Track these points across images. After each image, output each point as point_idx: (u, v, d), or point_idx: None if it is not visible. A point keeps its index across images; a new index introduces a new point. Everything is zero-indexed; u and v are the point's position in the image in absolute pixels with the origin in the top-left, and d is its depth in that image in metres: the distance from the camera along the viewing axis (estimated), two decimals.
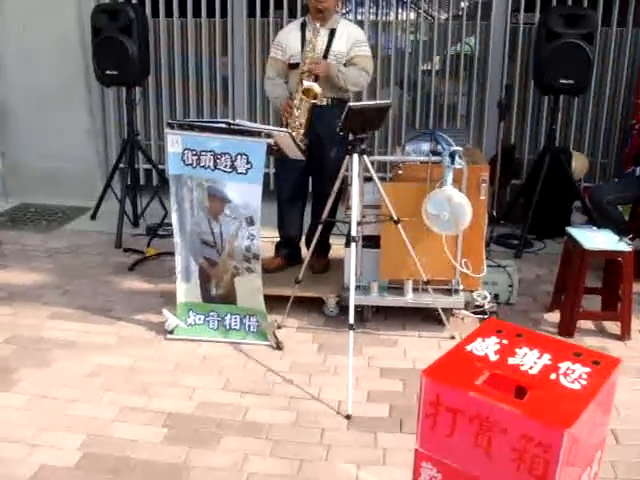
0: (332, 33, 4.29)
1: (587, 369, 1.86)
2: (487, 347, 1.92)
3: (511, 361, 1.88)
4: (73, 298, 4.52)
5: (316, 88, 4.06)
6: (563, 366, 1.86)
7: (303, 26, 4.34)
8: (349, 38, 4.30)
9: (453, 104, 6.55)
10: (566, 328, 4.07)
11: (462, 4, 6.55)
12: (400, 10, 6.67)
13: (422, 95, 6.53)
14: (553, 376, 1.82)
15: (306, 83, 4.08)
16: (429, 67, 6.63)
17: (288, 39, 4.37)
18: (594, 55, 5.36)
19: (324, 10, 4.23)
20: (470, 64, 6.42)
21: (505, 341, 1.95)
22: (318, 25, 4.18)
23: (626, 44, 6.16)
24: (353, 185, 3.53)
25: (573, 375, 1.83)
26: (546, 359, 1.89)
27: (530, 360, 1.88)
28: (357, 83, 4.30)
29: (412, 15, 6.86)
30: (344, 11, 6.56)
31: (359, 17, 6.54)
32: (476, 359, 1.88)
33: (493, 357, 1.89)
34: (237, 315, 3.95)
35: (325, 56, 4.24)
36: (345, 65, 4.28)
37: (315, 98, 4.09)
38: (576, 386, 1.79)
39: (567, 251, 4.27)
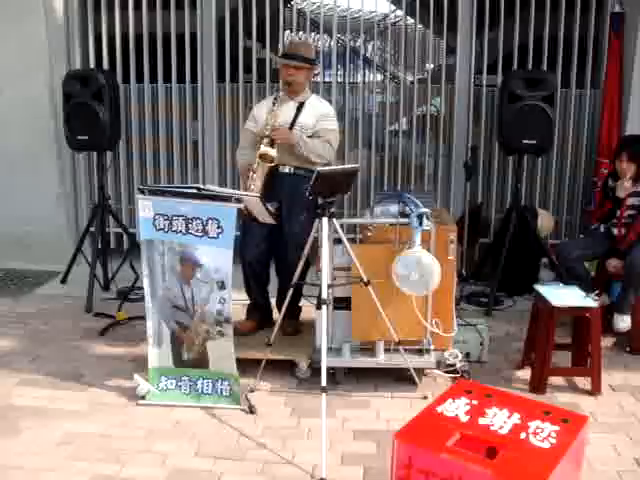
0: (300, 106, 4.41)
1: (556, 427, 1.89)
2: (457, 408, 1.95)
3: (481, 421, 1.90)
4: (43, 364, 4.46)
5: (271, 152, 4.18)
6: (532, 425, 1.89)
7: (276, 100, 4.44)
8: (316, 111, 4.42)
9: (420, 164, 6.67)
10: (537, 385, 4.09)
11: (427, 66, 6.73)
12: (367, 72, 6.85)
13: (390, 156, 6.65)
14: (523, 435, 1.85)
15: (262, 148, 4.20)
16: (396, 128, 6.77)
17: (261, 111, 4.48)
18: (555, 116, 5.53)
19: (293, 83, 4.36)
20: (436, 125, 6.57)
21: (475, 401, 1.98)
22: (281, 94, 4.37)
23: (585, 104, 6.37)
24: (323, 248, 3.58)
25: (542, 434, 1.86)
26: (516, 418, 1.92)
27: (500, 420, 1.91)
28: (320, 154, 4.35)
29: (379, 77, 7.05)
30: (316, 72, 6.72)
31: (327, 79, 6.68)
32: (447, 420, 1.90)
33: (464, 418, 1.91)
34: (209, 379, 3.93)
35: (291, 127, 4.34)
36: (311, 137, 4.37)
37: (271, 162, 4.20)
38: (546, 445, 1.82)
39: (536, 308, 4.33)
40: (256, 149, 4.27)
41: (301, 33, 6.97)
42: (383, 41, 6.94)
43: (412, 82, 6.74)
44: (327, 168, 3.75)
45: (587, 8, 6.22)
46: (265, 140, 4.24)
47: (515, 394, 2.34)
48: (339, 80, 6.66)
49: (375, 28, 6.55)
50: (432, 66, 6.81)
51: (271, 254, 4.57)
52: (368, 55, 7.09)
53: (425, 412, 1.94)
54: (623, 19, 6.02)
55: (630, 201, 4.82)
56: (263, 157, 4.21)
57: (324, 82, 6.61)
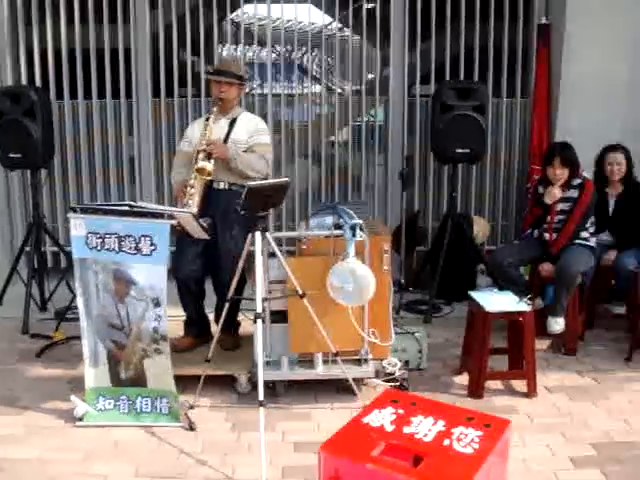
0: (233, 122, 4.44)
1: (479, 432, 1.93)
2: (383, 418, 1.98)
3: (406, 430, 1.94)
4: None
5: (208, 166, 4.20)
6: (456, 431, 1.93)
7: (208, 119, 4.45)
8: (248, 127, 4.45)
9: (358, 175, 6.73)
10: (475, 390, 4.17)
11: (364, 78, 6.80)
12: (304, 84, 6.90)
13: (327, 167, 6.70)
14: (447, 442, 1.89)
15: (200, 162, 4.20)
16: (333, 139, 6.82)
17: (194, 131, 4.50)
18: (487, 125, 5.66)
19: (224, 99, 4.39)
20: (372, 136, 6.64)
21: (401, 410, 2.01)
22: (215, 109, 4.38)
23: (516, 113, 6.52)
24: (257, 262, 3.59)
25: (466, 440, 1.90)
26: (440, 425, 1.96)
27: (425, 428, 1.94)
28: (255, 168, 4.36)
29: (316, 88, 7.10)
30: (254, 85, 6.74)
31: (265, 90, 6.69)
32: (372, 430, 1.93)
33: (389, 427, 1.94)
34: (148, 398, 3.90)
35: (225, 142, 4.36)
36: (245, 152, 4.39)
37: (209, 176, 4.22)
38: (469, 450, 1.86)
39: (471, 314, 4.41)
40: (192, 165, 4.27)
41: (235, 46, 6.98)
42: (319, 53, 6.98)
43: (342, 94, 6.81)
44: (257, 183, 3.76)
45: (515, 19, 6.37)
46: (201, 155, 4.24)
47: (440, 402, 2.38)
48: (275, 92, 6.68)
49: (309, 40, 6.57)
50: (369, 77, 6.88)
51: (207, 270, 4.55)
52: (304, 67, 7.12)
53: (351, 423, 1.96)
54: (549, 30, 6.18)
55: (559, 207, 4.94)
56: (200, 171, 4.21)
57: (260, 94, 6.63)
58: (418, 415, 1.99)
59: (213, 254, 4.42)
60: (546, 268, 4.96)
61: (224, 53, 6.95)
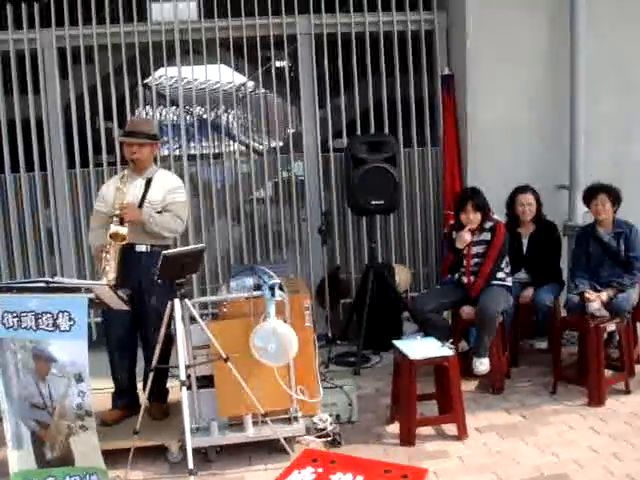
0: (148, 182, 4.43)
1: None
2: (303, 478, 1.99)
3: None
4: None
5: (122, 231, 4.18)
6: None
7: (123, 178, 4.44)
8: (164, 186, 4.46)
9: (278, 231, 6.78)
10: (406, 438, 4.20)
11: (277, 135, 6.92)
12: (220, 143, 6.97)
13: (247, 225, 6.74)
14: None
15: (112, 227, 4.19)
16: (252, 197, 6.86)
17: (108, 191, 4.47)
18: (400, 175, 5.81)
19: (137, 160, 4.40)
20: (289, 191, 6.73)
21: (320, 469, 2.04)
22: (125, 172, 4.41)
23: (428, 161, 6.71)
24: (177, 329, 3.59)
25: None
26: None
27: None
28: (170, 228, 4.40)
29: (232, 147, 7.17)
30: (176, 146, 6.76)
31: (181, 152, 6.72)
32: None
33: None
34: (77, 476, 3.78)
35: (140, 205, 4.36)
36: (161, 212, 4.40)
37: (123, 240, 4.20)
38: None
39: (397, 363, 4.47)
40: (106, 229, 4.25)
41: (148, 108, 7.02)
42: (233, 111, 7.08)
43: (258, 151, 6.90)
44: (173, 251, 3.78)
45: (419, 71, 6.62)
46: (115, 219, 4.22)
47: (358, 457, 2.41)
48: (191, 153, 6.71)
49: (221, 99, 6.67)
50: (284, 134, 7.00)
51: (136, 336, 4.52)
52: (219, 125, 7.19)
53: None
54: (453, 80, 6.43)
55: (474, 250, 5.09)
56: (114, 237, 4.19)
57: (175, 156, 6.67)
58: (337, 472, 2.03)
59: (139, 321, 4.40)
60: (467, 311, 5.08)
61: (129, 119, 6.96)
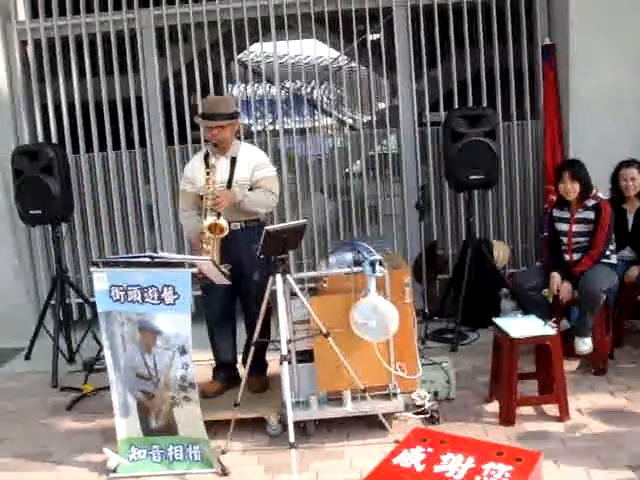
0: (233, 161, 4.40)
1: (510, 467, 1.92)
2: (413, 458, 1.98)
3: (437, 469, 1.94)
4: (9, 446, 4.40)
5: (222, 223, 4.17)
6: (487, 467, 1.93)
7: (207, 157, 4.40)
8: (250, 163, 4.42)
9: (374, 206, 6.75)
10: (506, 417, 4.14)
11: (373, 109, 6.86)
12: (315, 118, 6.96)
13: (344, 200, 6.73)
14: (478, 479, 1.88)
15: (209, 219, 4.17)
16: (348, 171, 6.85)
17: (194, 172, 4.46)
18: (499, 149, 5.67)
19: (219, 141, 4.35)
20: (386, 166, 6.68)
21: (430, 449, 2.02)
22: (213, 161, 4.31)
23: (528, 135, 6.53)
24: (279, 305, 3.62)
25: (497, 475, 1.90)
26: (470, 462, 1.96)
27: (455, 465, 1.94)
28: (264, 204, 4.41)
29: (327, 121, 7.17)
30: (269, 121, 6.80)
31: (277, 127, 6.74)
32: (403, 471, 1.93)
33: (419, 467, 1.95)
34: (180, 445, 3.91)
35: (229, 184, 4.35)
36: (251, 189, 4.39)
37: (222, 232, 4.18)
38: None
39: (497, 341, 4.39)
40: (202, 219, 4.23)
41: (244, 85, 7.09)
42: (327, 86, 7.07)
43: (354, 126, 6.87)
44: (275, 226, 3.79)
45: (519, 41, 6.42)
46: (210, 212, 4.19)
47: (469, 437, 2.38)
48: (287, 127, 6.74)
49: (317, 74, 6.65)
50: (379, 107, 6.94)
51: (235, 311, 4.59)
52: (314, 100, 7.20)
53: (381, 465, 1.97)
54: (554, 50, 6.21)
55: (575, 228, 4.92)
56: (212, 229, 4.18)
57: (272, 131, 6.70)
58: (448, 453, 1.99)
59: (240, 296, 4.45)
60: (564, 291, 4.89)
61: (234, 92, 7.04)
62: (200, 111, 4.66)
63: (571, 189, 4.85)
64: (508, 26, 6.39)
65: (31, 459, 4.19)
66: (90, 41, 6.52)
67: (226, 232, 4.20)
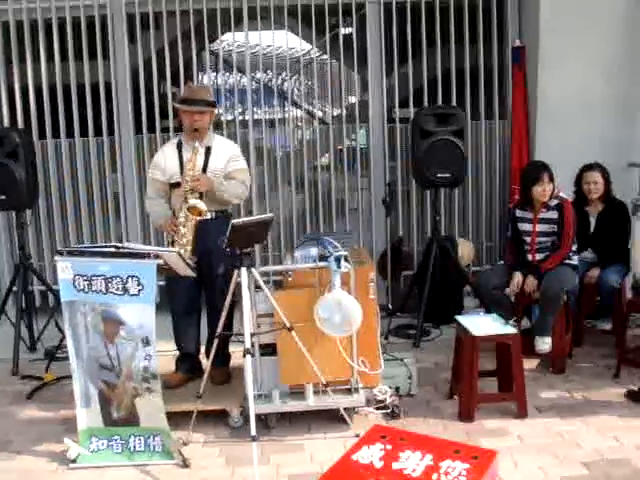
0: (208, 151, 4.44)
1: (466, 465, 1.96)
2: (372, 454, 2.01)
3: (395, 466, 1.97)
4: None
5: (200, 205, 4.19)
6: (444, 465, 1.96)
7: (179, 146, 4.47)
8: (225, 154, 4.48)
9: (341, 199, 6.77)
10: (466, 414, 4.19)
11: (343, 102, 6.88)
12: (285, 109, 6.96)
13: (311, 193, 6.75)
14: (435, 476, 1.92)
15: (191, 201, 4.20)
16: (316, 164, 6.86)
17: (165, 160, 4.48)
18: (466, 148, 5.73)
19: (199, 128, 4.38)
20: (354, 160, 6.70)
21: (389, 446, 2.05)
22: (197, 144, 4.32)
23: (495, 135, 6.61)
24: (243, 298, 3.62)
25: (453, 473, 1.93)
26: (428, 459, 1.99)
27: (413, 463, 1.97)
28: (238, 195, 4.47)
29: (297, 113, 7.17)
30: (239, 111, 6.79)
31: (246, 117, 6.74)
32: (362, 468, 1.96)
33: (378, 464, 1.98)
34: (141, 436, 3.90)
35: (203, 172, 4.37)
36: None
37: (200, 215, 4.21)
38: None
39: (459, 339, 4.44)
40: (181, 202, 4.25)
41: (215, 74, 7.07)
42: (298, 78, 7.07)
43: (323, 119, 6.88)
44: (241, 220, 3.80)
45: (490, 41, 6.48)
46: (189, 193, 4.22)
47: (428, 435, 2.41)
48: (257, 117, 6.72)
49: (287, 65, 6.66)
50: (349, 102, 6.96)
51: (200, 302, 4.59)
52: (284, 92, 7.19)
53: (341, 461, 1.99)
54: (524, 52, 6.28)
55: (539, 228, 4.99)
56: (192, 210, 4.19)
57: (241, 121, 6.68)
58: (406, 450, 2.02)
59: (205, 287, 4.46)
60: (529, 284, 4.95)
61: (205, 81, 7.01)
62: (181, 96, 4.66)
63: (548, 190, 4.92)
64: (479, 26, 6.45)
65: None
66: (59, 25, 6.44)
67: (204, 216, 4.23)
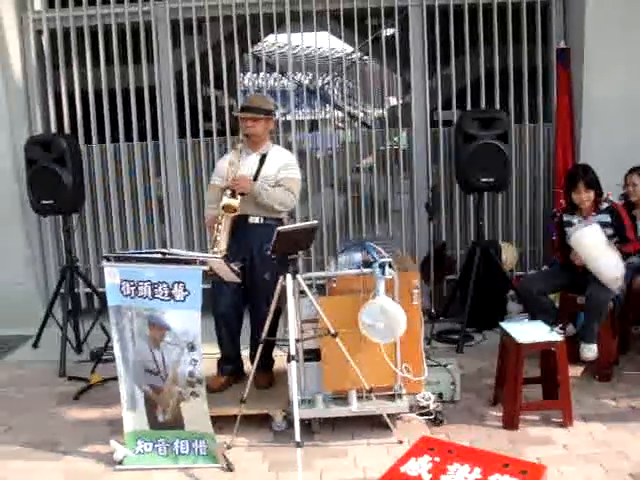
0: (263, 158, 4.51)
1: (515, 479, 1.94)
2: (420, 467, 2.00)
3: (443, 479, 1.96)
4: (17, 434, 4.42)
5: (234, 203, 4.28)
6: (493, 479, 1.95)
7: (240, 152, 4.53)
8: (278, 161, 4.52)
9: (384, 201, 6.75)
10: (509, 421, 4.14)
11: (386, 104, 6.86)
12: (327, 110, 6.97)
13: (353, 195, 6.74)
14: None
15: (225, 199, 4.28)
16: (358, 166, 6.84)
17: (223, 165, 4.57)
18: (510, 152, 5.68)
19: (252, 135, 4.46)
20: (397, 161, 6.69)
21: (437, 458, 2.04)
22: (239, 145, 4.47)
23: (539, 138, 6.54)
24: (288, 304, 3.64)
25: None
26: (477, 473, 1.98)
27: (461, 476, 1.97)
28: (282, 202, 4.46)
29: (339, 115, 7.17)
30: (282, 112, 6.82)
31: (288, 117, 6.77)
32: None
33: (426, 476, 1.97)
34: (185, 440, 3.94)
35: (255, 179, 4.43)
36: (273, 187, 4.46)
37: (234, 212, 4.30)
38: None
39: (503, 345, 4.41)
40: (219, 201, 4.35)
41: (257, 76, 7.11)
42: (340, 79, 7.08)
43: (365, 121, 6.86)
44: (287, 227, 3.82)
45: (533, 44, 6.42)
46: (227, 191, 4.33)
47: (476, 448, 2.40)
48: (298, 118, 6.74)
49: (330, 66, 6.66)
50: (391, 104, 6.94)
51: (244, 305, 4.62)
52: (326, 94, 7.20)
53: (389, 473, 1.99)
54: (569, 53, 6.21)
55: None
56: (226, 208, 4.29)
57: (283, 122, 6.71)
58: (454, 463, 2.02)
59: (249, 292, 4.49)
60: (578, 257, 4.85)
61: (247, 84, 7.06)
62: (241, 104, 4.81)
63: (586, 198, 4.85)
64: (523, 27, 6.38)
65: (38, 448, 4.21)
66: (105, 31, 6.54)
67: (238, 212, 4.31)
